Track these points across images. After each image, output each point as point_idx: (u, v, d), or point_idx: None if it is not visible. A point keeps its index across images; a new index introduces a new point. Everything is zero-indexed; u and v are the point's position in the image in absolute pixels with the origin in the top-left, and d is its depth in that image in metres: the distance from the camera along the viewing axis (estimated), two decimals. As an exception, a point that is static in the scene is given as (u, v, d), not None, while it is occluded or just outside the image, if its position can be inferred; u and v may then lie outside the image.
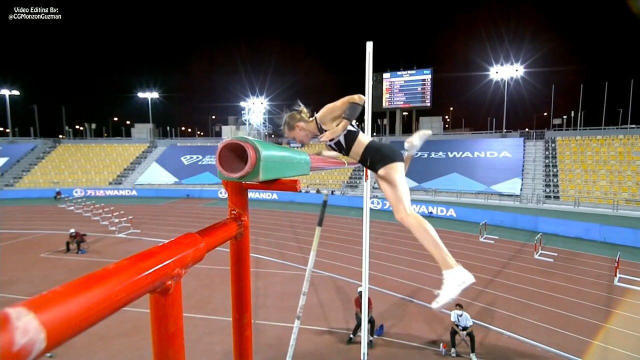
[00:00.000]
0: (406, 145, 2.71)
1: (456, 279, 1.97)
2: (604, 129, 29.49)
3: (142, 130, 45.24)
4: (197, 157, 38.30)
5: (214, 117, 57.34)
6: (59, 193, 30.01)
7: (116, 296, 0.49)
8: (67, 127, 47.57)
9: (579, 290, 10.33)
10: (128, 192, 32.77)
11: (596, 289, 10.44)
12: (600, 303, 9.47)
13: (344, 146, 2.33)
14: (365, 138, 2.32)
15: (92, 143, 41.84)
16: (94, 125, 48.24)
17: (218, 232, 0.93)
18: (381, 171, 2.21)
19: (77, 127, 57.04)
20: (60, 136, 46.52)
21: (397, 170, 2.19)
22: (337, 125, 2.26)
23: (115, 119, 62.43)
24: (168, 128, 48.03)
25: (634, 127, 28.72)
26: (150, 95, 46.83)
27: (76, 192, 31.55)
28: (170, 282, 0.63)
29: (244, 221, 1.08)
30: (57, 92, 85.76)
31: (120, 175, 36.45)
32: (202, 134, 63.82)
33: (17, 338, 0.36)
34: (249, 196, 1.14)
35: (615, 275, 11.13)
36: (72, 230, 14.26)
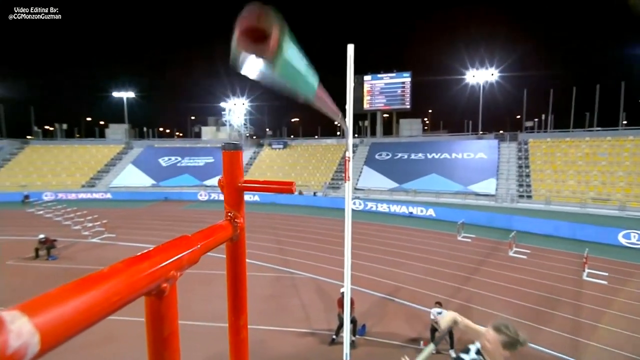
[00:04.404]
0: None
1: None
2: (572, 131, 31.02)
3: (117, 130, 43.75)
4: (176, 159, 37.42)
5: (193, 117, 56.19)
6: (27, 197, 28.56)
7: (111, 299, 0.48)
8: (35, 128, 45.31)
9: (550, 285, 10.79)
10: (102, 195, 31.58)
11: (567, 283, 10.94)
12: (570, 297, 9.93)
13: None
14: None
15: (63, 144, 40.08)
16: (65, 126, 46.26)
17: (214, 234, 0.93)
18: None
19: (46, 127, 54.42)
20: (29, 137, 44.28)
21: None
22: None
23: (89, 119, 59.99)
24: (145, 129, 46.68)
25: (599, 130, 30.32)
26: (125, 94, 45.24)
27: (46, 195, 30.12)
28: (165, 285, 0.62)
29: (239, 223, 1.08)
30: (25, 91, 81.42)
31: (93, 177, 35.10)
32: (181, 135, 62.30)
33: (11, 341, 0.36)
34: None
35: (584, 270, 11.73)
36: (42, 236, 13.60)
